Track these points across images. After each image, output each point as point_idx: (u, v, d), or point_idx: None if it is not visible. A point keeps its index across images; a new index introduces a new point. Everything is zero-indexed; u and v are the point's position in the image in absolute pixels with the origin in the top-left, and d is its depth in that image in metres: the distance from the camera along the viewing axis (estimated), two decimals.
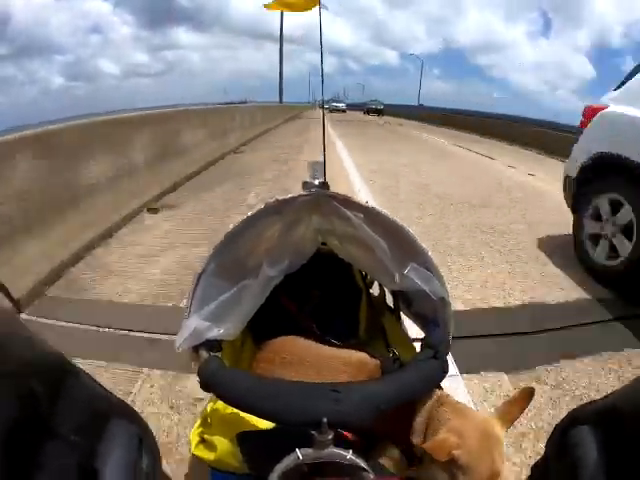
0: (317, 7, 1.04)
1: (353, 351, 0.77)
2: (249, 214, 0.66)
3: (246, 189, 4.51)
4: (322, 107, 1.47)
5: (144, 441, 0.41)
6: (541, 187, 5.36)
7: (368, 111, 35.11)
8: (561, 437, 0.43)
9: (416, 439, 0.63)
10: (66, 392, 0.34)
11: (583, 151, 2.62)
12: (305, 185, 0.99)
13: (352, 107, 47.06)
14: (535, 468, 0.54)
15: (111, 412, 0.40)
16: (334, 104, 37.01)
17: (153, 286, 2.30)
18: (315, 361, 0.74)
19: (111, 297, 2.17)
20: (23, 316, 1.93)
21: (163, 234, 3.16)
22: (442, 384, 0.70)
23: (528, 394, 0.63)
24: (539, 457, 0.53)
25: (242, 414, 0.65)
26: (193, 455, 0.73)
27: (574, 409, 0.44)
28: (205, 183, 4.90)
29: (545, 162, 8.28)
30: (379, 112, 33.92)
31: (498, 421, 0.61)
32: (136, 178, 3.77)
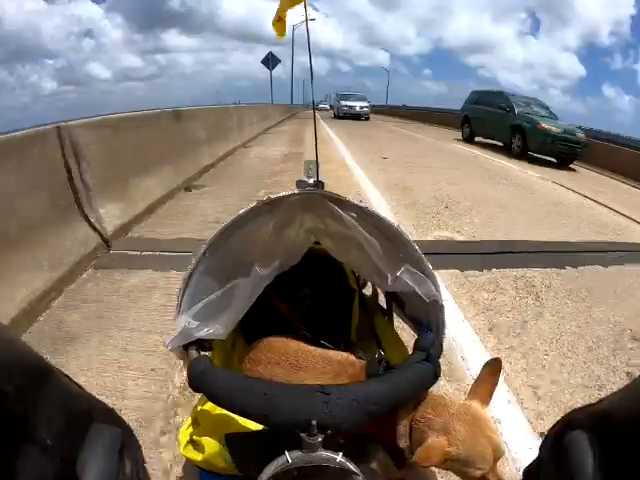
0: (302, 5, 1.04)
1: (339, 353, 0.77)
2: (241, 212, 0.65)
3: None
4: (313, 107, 1.42)
5: (126, 444, 0.40)
6: None
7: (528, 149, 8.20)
8: (554, 442, 0.43)
9: (402, 443, 0.63)
10: (44, 394, 0.33)
11: None
12: (299, 184, 0.98)
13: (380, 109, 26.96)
14: (527, 473, 0.53)
15: (92, 415, 0.39)
16: (345, 103, 19.19)
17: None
18: (302, 363, 0.74)
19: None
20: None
21: (272, 135, 10.06)
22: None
23: (496, 367, 0.65)
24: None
25: (231, 415, 0.65)
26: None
27: (568, 413, 0.44)
28: (273, 130, 11.50)
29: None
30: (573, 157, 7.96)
31: (477, 401, 0.62)
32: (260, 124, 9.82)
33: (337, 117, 19.47)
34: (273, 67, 17.37)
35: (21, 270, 1.91)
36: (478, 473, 0.57)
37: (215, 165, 5.46)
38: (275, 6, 1.21)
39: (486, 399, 0.63)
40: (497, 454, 0.58)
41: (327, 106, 42.26)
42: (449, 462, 0.57)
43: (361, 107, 18.97)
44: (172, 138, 4.37)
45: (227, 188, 4.33)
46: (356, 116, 18.74)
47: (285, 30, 1.27)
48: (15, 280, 1.86)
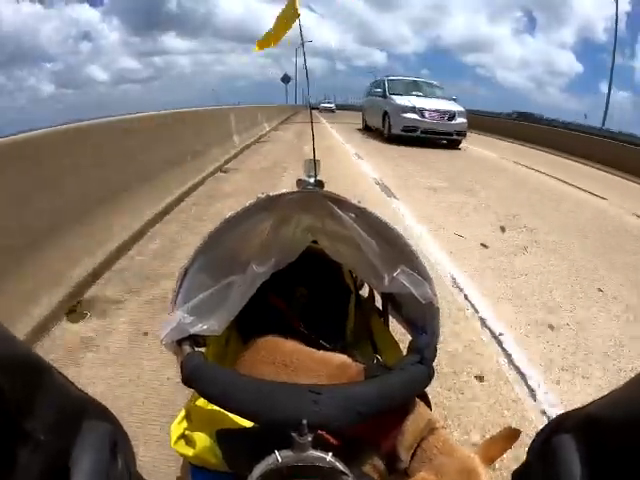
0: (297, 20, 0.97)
1: (335, 354, 0.77)
2: (239, 210, 0.65)
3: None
4: (309, 108, 1.37)
5: (118, 442, 0.40)
6: None
7: None
8: (543, 444, 0.43)
9: (403, 456, 0.63)
10: (37, 391, 0.33)
11: None
12: (300, 183, 0.98)
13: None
14: (516, 475, 0.54)
15: (84, 411, 0.39)
16: (411, 104, 7.85)
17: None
18: (297, 362, 0.73)
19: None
20: None
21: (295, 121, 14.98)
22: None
23: (513, 435, 0.62)
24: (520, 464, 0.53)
25: (224, 411, 0.65)
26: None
27: (557, 416, 0.44)
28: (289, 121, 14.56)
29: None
30: None
31: (480, 459, 0.60)
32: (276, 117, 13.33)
33: (366, 129, 10.44)
34: (287, 82, 30.28)
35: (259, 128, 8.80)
36: None
37: (277, 128, 10.94)
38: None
39: (490, 460, 0.61)
40: None
41: (332, 105, 33.89)
42: None
43: (449, 115, 8.02)
44: (255, 115, 9.30)
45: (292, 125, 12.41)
46: (433, 137, 8.00)
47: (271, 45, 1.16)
48: (265, 124, 10.21)
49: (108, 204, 2.51)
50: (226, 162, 5.34)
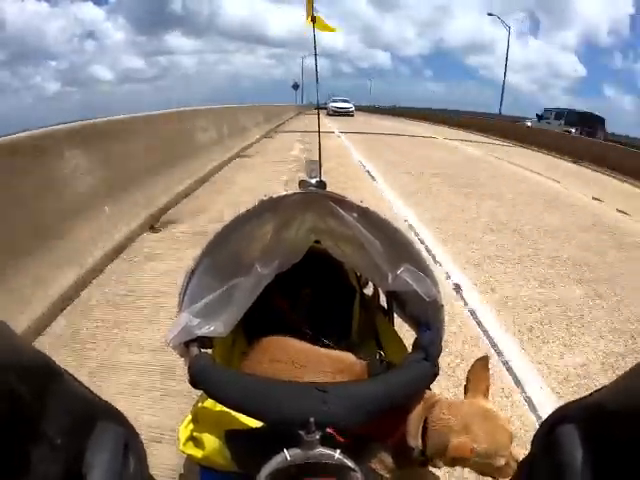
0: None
1: (340, 352, 0.77)
2: (242, 211, 0.65)
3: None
4: (317, 108, 1.37)
5: (131, 445, 0.41)
6: None
7: None
8: (547, 434, 0.43)
9: (413, 442, 0.63)
10: (51, 394, 0.34)
11: None
12: (302, 183, 0.98)
13: None
14: (521, 466, 0.54)
15: (97, 415, 0.40)
16: None
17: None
18: (302, 361, 0.74)
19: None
20: None
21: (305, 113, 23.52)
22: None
23: (484, 363, 0.69)
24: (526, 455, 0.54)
25: (231, 412, 0.65)
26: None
27: (561, 406, 0.44)
28: (301, 114, 22.32)
29: None
30: None
31: (479, 397, 0.66)
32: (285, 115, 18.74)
33: None
34: (297, 89, 37.72)
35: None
36: (502, 461, 0.61)
37: (296, 116, 19.43)
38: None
39: (486, 394, 0.67)
40: (511, 439, 0.63)
41: (349, 105, 22.24)
42: (473, 459, 0.60)
43: None
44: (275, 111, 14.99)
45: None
46: None
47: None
48: (291, 113, 20.67)
49: (243, 134, 8.29)
50: (285, 122, 15.21)
